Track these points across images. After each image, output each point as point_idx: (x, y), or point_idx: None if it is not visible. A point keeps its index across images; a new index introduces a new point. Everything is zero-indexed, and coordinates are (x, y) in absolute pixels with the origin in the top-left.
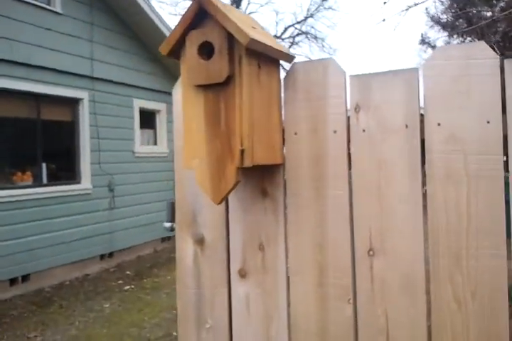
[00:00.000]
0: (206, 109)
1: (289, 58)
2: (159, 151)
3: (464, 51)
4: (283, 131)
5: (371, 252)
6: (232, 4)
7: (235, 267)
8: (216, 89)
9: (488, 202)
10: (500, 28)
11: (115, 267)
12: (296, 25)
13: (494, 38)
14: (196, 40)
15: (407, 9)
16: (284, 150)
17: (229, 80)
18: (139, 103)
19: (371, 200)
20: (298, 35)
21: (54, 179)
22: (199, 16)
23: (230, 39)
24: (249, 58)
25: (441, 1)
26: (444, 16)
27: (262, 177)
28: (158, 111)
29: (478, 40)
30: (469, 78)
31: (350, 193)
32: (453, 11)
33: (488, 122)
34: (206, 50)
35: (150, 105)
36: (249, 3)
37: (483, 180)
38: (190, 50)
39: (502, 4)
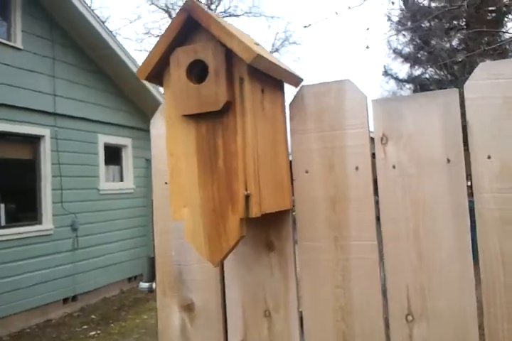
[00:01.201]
0: (199, 144)
1: (296, 80)
2: (125, 187)
3: None
4: (290, 168)
5: (410, 317)
6: None
7: (234, 340)
8: (211, 119)
9: None
10: (460, 58)
11: (79, 311)
12: None
13: (454, 67)
14: (184, 59)
15: (367, 47)
16: (293, 192)
17: (227, 108)
18: (103, 138)
19: (407, 252)
20: None
21: (13, 220)
22: (187, 29)
23: (229, 57)
24: (252, 81)
25: (404, 34)
26: (406, 48)
27: (267, 226)
28: (124, 146)
29: (440, 70)
30: None
31: (379, 244)
32: (414, 43)
33: None
34: (197, 72)
35: (115, 140)
36: None
37: None
38: (177, 71)
39: (460, 35)
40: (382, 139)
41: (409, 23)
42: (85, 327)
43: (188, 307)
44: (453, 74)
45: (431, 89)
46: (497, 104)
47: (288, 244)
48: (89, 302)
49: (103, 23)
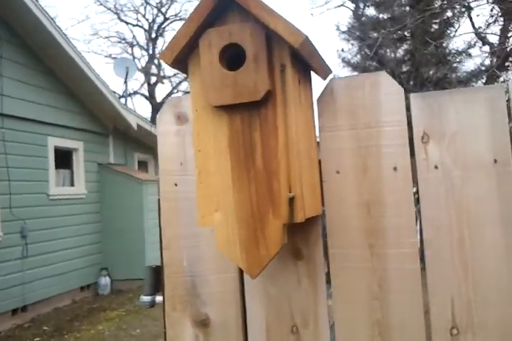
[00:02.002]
0: (233, 139)
1: (327, 72)
2: (76, 193)
3: None
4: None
5: (455, 330)
6: (147, 43)
7: None
8: (247, 111)
9: None
10: (406, 68)
11: (30, 322)
12: None
13: (402, 76)
14: (217, 41)
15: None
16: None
17: (267, 99)
18: (53, 141)
19: (451, 260)
20: None
21: None
22: (221, 7)
23: (269, 41)
24: (293, 69)
25: (352, 44)
26: (355, 58)
27: (293, 232)
28: (75, 149)
29: None
30: None
31: (420, 251)
32: (362, 52)
33: None
34: (229, 57)
35: (66, 143)
36: (164, 43)
37: None
38: (208, 56)
39: (406, 46)
40: (423, 138)
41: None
42: (37, 339)
43: (203, 323)
44: (401, 83)
45: None
46: None
47: (317, 251)
48: (40, 312)
49: (54, 21)
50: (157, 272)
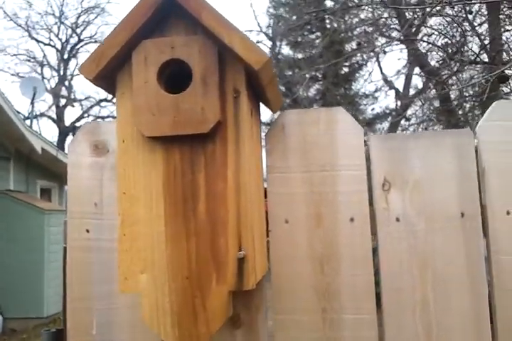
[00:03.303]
0: (169, 180)
1: (280, 102)
2: None
3: None
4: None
5: None
6: (59, 64)
7: None
8: (189, 145)
9: None
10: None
11: None
12: None
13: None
14: (156, 56)
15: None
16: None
17: (216, 131)
18: None
19: (413, 328)
20: None
21: None
22: (162, 14)
23: (221, 60)
24: (248, 96)
25: None
26: None
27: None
28: None
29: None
30: None
31: (380, 316)
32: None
33: None
34: (170, 76)
35: None
36: (77, 64)
37: None
38: (143, 73)
39: (318, 86)
40: (384, 185)
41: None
42: None
43: None
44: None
45: None
46: None
47: (260, 317)
48: None
49: None
50: (57, 339)
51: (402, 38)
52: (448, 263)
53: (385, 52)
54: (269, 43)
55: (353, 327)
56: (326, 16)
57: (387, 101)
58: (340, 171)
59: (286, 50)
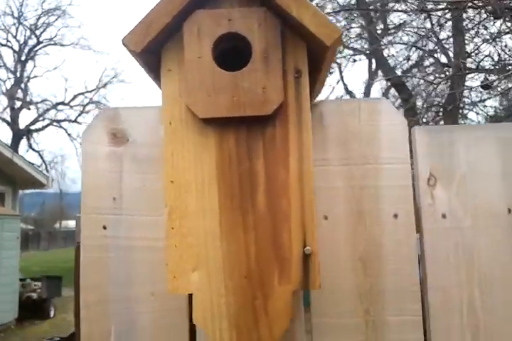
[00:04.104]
0: (223, 167)
1: (321, 89)
2: None
3: None
4: None
5: None
6: (15, 66)
7: None
8: (246, 128)
9: None
10: None
11: None
12: (87, 94)
13: None
14: (211, 28)
15: None
16: None
17: (276, 114)
18: None
19: (459, 329)
20: (88, 103)
21: None
22: None
23: (282, 35)
24: (308, 77)
25: None
26: None
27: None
28: None
29: None
30: None
31: (423, 319)
32: None
33: None
34: (222, 52)
35: None
36: (34, 67)
37: None
38: (196, 47)
39: None
40: (429, 180)
41: None
42: None
43: None
44: None
45: None
46: None
47: (298, 322)
48: None
49: None
50: None
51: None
52: (494, 261)
53: (355, 60)
54: None
55: (397, 330)
56: None
57: None
58: (383, 164)
59: None
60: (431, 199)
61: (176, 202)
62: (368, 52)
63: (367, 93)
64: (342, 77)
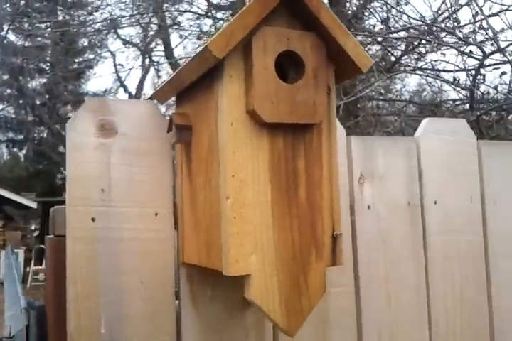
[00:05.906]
0: (274, 165)
1: None
2: None
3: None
4: None
5: None
6: None
7: None
8: (292, 133)
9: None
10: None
11: None
12: None
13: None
14: (274, 44)
15: None
16: None
17: (315, 124)
18: None
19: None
20: None
21: None
22: (284, 4)
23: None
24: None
25: None
26: None
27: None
28: None
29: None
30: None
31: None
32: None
33: None
34: (280, 65)
35: None
36: None
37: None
38: (263, 59)
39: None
40: (360, 179)
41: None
42: None
43: None
44: (37, 116)
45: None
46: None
47: None
48: None
49: None
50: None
51: None
52: (400, 242)
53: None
54: None
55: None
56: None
57: None
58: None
59: (12, 36)
60: (360, 194)
61: (236, 195)
62: None
63: None
64: (116, 67)
